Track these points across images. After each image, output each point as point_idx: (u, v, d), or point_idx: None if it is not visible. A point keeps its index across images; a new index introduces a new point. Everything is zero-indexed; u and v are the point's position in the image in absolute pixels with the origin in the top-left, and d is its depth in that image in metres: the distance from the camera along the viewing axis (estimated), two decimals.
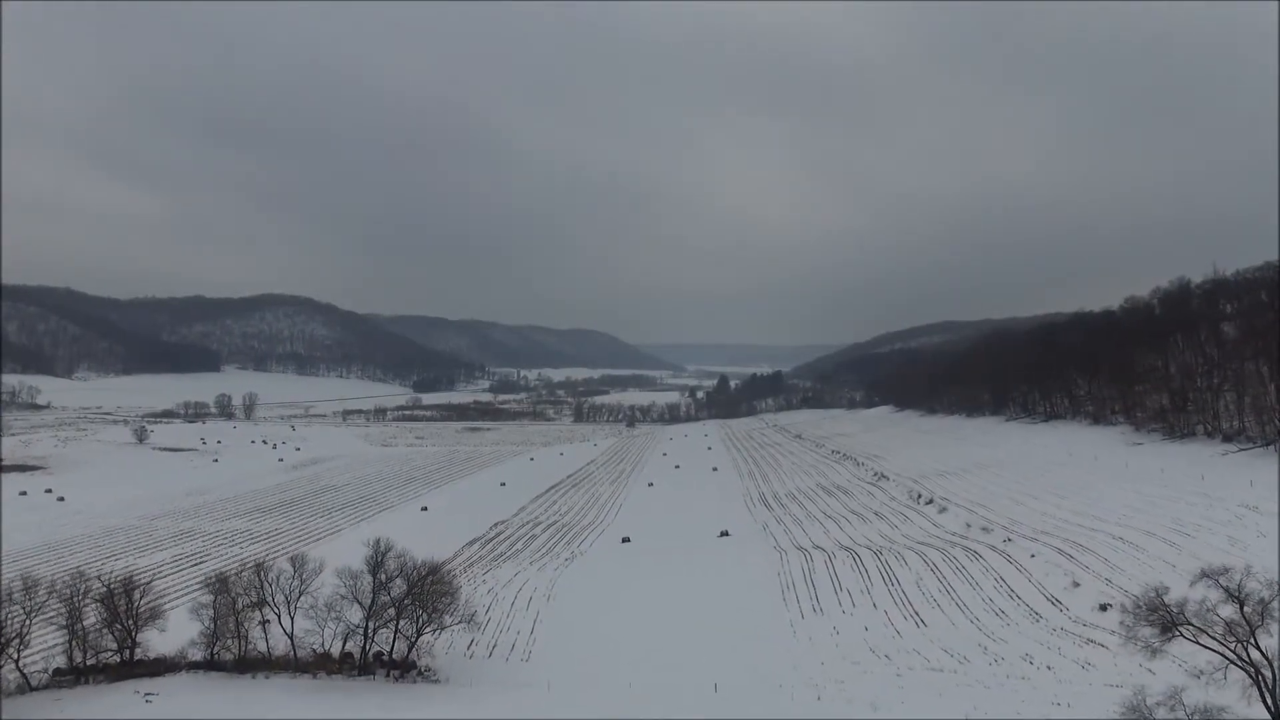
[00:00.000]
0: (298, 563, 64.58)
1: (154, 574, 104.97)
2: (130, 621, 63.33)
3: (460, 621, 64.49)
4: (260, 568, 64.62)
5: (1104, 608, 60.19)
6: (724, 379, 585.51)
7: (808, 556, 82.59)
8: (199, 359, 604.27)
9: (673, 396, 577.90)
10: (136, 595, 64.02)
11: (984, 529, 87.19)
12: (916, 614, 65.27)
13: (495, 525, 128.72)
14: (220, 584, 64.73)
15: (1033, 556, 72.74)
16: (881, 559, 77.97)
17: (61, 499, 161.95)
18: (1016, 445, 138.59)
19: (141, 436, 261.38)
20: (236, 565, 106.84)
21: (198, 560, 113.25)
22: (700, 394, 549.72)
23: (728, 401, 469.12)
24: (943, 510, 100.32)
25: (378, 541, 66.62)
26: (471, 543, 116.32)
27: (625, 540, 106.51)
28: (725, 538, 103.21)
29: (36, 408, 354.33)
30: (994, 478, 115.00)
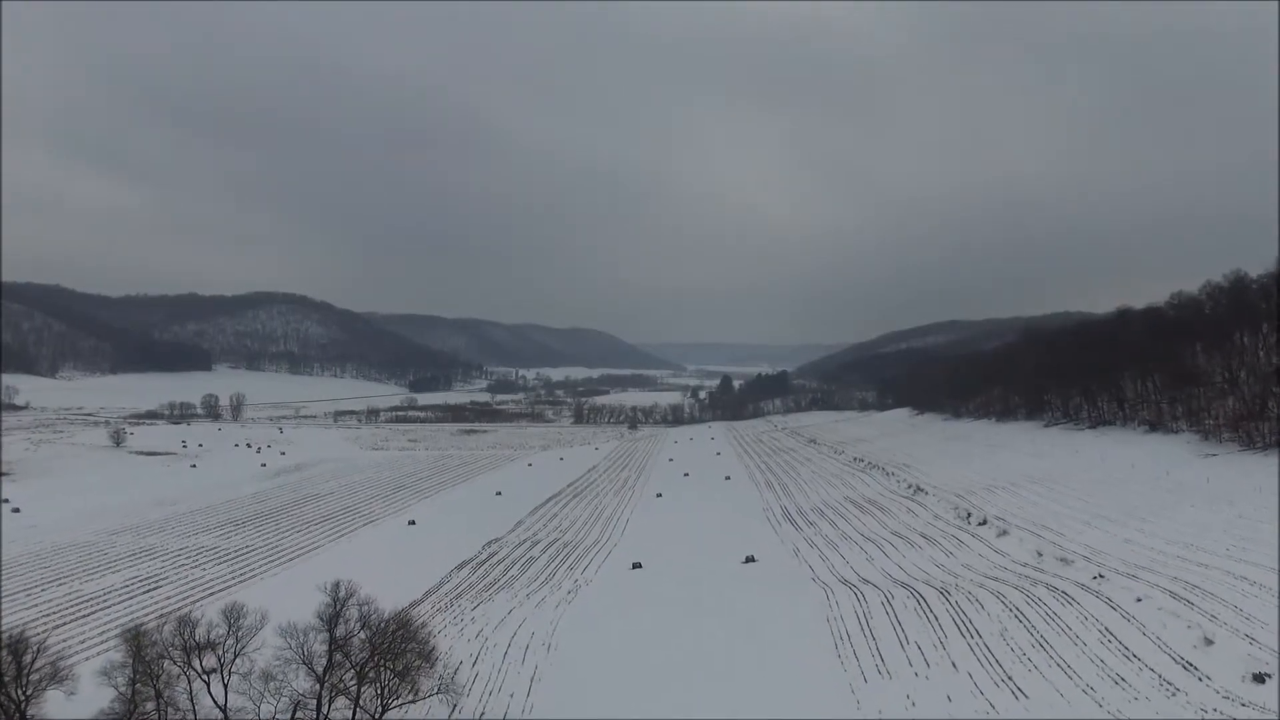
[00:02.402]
0: (232, 615, 51.45)
1: (98, 603, 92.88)
2: (20, 690, 50.22)
3: (438, 692, 51.49)
4: (184, 623, 51.19)
5: (1260, 678, 47.08)
6: (727, 379, 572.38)
7: (858, 595, 69.33)
8: (190, 358, 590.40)
9: (674, 397, 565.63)
10: (28, 657, 50.87)
11: (1061, 559, 74.02)
12: (1010, 679, 52.10)
13: (489, 544, 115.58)
14: (135, 640, 51.39)
15: (1139, 600, 59.56)
16: (950, 600, 64.73)
17: (17, 510, 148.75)
18: (1065, 455, 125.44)
19: (119, 439, 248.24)
20: (195, 592, 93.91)
21: (153, 584, 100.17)
22: (703, 394, 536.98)
23: (732, 402, 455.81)
24: (1002, 534, 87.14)
25: (336, 586, 53.45)
26: (461, 566, 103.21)
27: (636, 566, 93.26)
28: (752, 564, 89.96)
29: (14, 408, 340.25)
30: (1051, 494, 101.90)
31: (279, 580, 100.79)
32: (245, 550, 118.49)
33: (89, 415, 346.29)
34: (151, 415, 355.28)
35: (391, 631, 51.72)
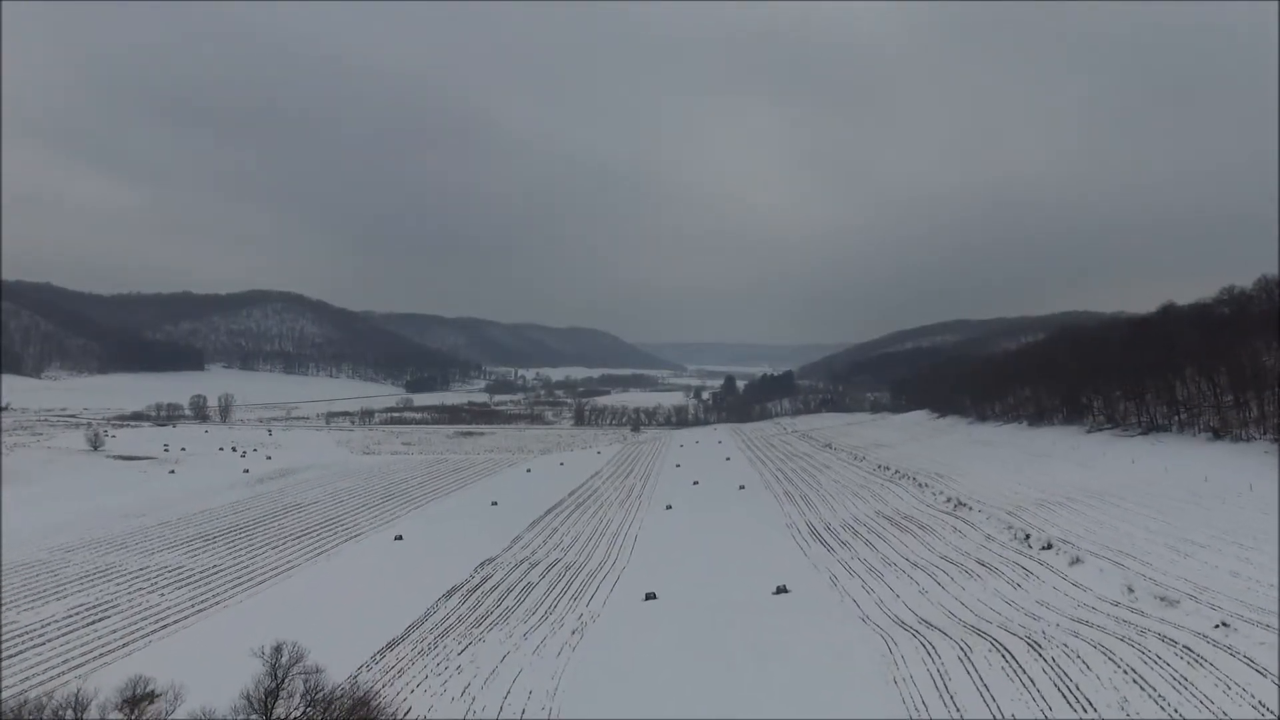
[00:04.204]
0: (133, 693, 39.39)
1: (33, 637, 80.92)
2: None
3: None
4: (67, 706, 38.87)
5: None
6: (730, 379, 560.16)
7: (925, 645, 57.17)
8: (182, 357, 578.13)
9: (676, 397, 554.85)
10: None
11: (1160, 598, 61.91)
12: None
13: (482, 565, 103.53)
14: None
15: None
16: (1044, 656, 52.61)
17: None
18: (1120, 465, 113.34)
19: (96, 443, 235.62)
20: (146, 624, 79.93)
21: (100, 614, 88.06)
22: (706, 395, 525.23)
23: (737, 404, 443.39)
24: (1075, 562, 75.01)
25: (277, 651, 41.43)
26: (450, 593, 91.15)
27: (649, 596, 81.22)
28: (784, 595, 77.86)
29: None
30: (1118, 511, 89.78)
31: (243, 609, 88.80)
32: (211, 571, 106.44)
33: (72, 417, 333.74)
34: (137, 417, 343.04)
35: (345, 715, 39.73)
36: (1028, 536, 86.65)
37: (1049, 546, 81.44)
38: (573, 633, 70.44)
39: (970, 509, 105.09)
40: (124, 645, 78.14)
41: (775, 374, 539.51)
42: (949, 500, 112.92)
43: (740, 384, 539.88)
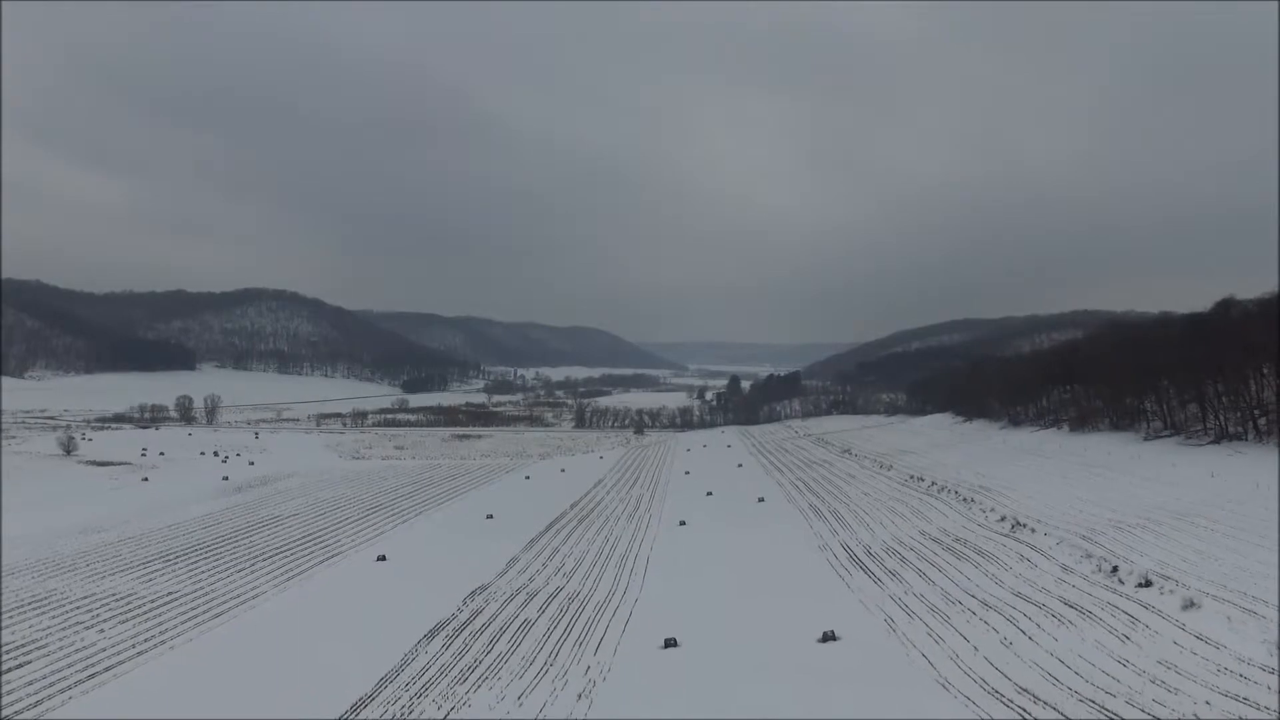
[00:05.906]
0: None
1: None
2: None
3: None
4: None
5: None
6: (735, 380, 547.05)
7: None
8: (173, 357, 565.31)
9: (680, 398, 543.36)
10: None
11: None
12: None
13: (473, 595, 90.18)
14: None
15: None
16: None
17: None
18: (1198, 479, 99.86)
19: (69, 447, 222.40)
20: (72, 670, 66.63)
21: (22, 656, 74.81)
22: (710, 395, 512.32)
23: (744, 405, 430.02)
24: (1189, 606, 61.54)
25: None
26: (434, 632, 77.75)
27: (669, 643, 67.84)
28: (832, 644, 64.36)
29: None
30: (1214, 537, 76.37)
31: (190, 651, 75.24)
32: (164, 599, 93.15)
33: (51, 419, 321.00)
34: (120, 419, 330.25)
35: None
36: (1115, 569, 73.21)
37: (1148, 583, 67.97)
38: (579, 697, 57.10)
39: (1032, 531, 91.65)
40: (37, 704, 64.81)
41: (781, 374, 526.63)
42: (1003, 519, 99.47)
43: (745, 384, 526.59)
